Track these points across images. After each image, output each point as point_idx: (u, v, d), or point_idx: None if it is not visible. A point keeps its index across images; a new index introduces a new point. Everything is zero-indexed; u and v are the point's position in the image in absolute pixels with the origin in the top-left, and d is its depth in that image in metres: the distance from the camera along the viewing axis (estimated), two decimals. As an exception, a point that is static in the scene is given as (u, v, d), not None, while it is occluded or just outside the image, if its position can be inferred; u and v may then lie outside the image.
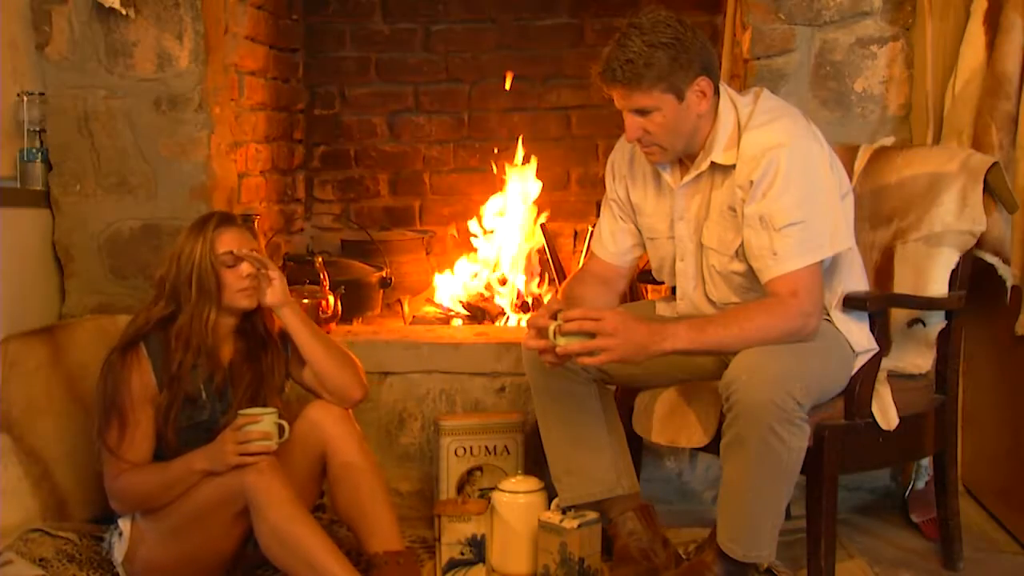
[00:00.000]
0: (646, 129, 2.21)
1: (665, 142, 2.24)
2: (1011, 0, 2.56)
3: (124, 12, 2.93)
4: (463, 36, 4.00)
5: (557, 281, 3.42)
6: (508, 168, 3.74)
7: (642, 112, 2.19)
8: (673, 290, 2.47)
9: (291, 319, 2.36)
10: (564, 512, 2.40)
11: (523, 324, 3.30)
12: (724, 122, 2.24)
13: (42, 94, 3.01)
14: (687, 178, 2.31)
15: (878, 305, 2.31)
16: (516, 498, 2.48)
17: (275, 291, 2.34)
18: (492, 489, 2.57)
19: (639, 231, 2.48)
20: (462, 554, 2.48)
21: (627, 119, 2.22)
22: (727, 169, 2.24)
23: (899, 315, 2.45)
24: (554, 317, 2.12)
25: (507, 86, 3.85)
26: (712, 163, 2.25)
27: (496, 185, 3.77)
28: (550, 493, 2.49)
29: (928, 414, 2.42)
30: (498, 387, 2.96)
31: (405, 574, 2.25)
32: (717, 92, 2.23)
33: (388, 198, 4.10)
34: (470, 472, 2.76)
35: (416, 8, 3.99)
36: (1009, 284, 2.50)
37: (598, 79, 2.21)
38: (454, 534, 2.47)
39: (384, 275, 3.46)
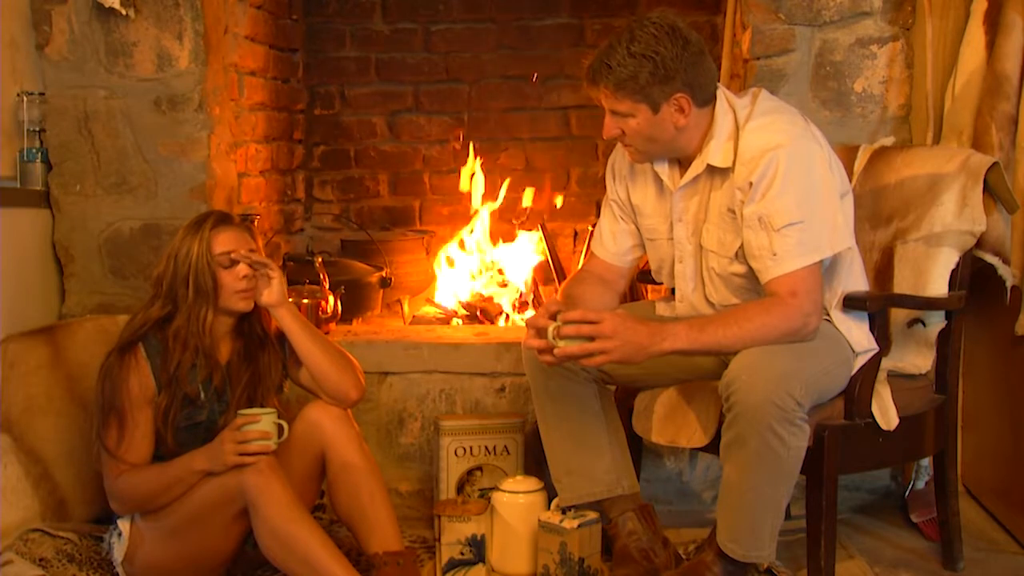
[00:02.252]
0: (622, 130, 2.24)
1: (639, 146, 2.27)
2: (1011, 0, 2.56)
3: (124, 12, 2.93)
4: (463, 36, 4.00)
5: (557, 281, 3.42)
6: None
7: (618, 114, 2.22)
8: (672, 291, 2.47)
9: (287, 319, 2.35)
10: (564, 512, 2.40)
11: (523, 323, 3.30)
12: (721, 124, 2.24)
13: (42, 94, 3.01)
14: (684, 180, 2.31)
15: (878, 305, 2.31)
16: (516, 498, 2.48)
17: (272, 291, 2.34)
18: (492, 489, 2.58)
19: (639, 232, 2.48)
20: (462, 554, 2.48)
21: (606, 117, 2.26)
22: (725, 171, 2.24)
23: (899, 315, 2.45)
24: (553, 318, 2.12)
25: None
26: (709, 166, 2.26)
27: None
28: (550, 493, 2.49)
29: (928, 414, 2.42)
30: (498, 387, 2.96)
31: (405, 574, 2.25)
32: (702, 105, 2.23)
33: (388, 198, 4.10)
34: (470, 472, 2.76)
35: (416, 8, 3.99)
36: (1009, 284, 2.50)
37: (583, 76, 2.23)
38: (454, 534, 2.47)
39: (384, 275, 3.46)
